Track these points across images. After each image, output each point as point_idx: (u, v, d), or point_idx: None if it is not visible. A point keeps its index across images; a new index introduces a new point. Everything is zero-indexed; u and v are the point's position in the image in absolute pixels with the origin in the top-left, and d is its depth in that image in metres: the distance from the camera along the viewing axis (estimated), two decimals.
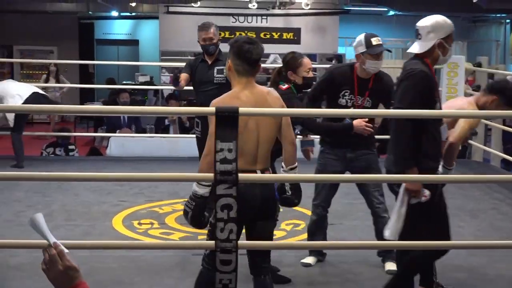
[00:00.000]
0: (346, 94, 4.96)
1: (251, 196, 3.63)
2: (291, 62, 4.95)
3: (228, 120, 3.45)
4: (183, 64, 6.53)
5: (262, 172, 3.73)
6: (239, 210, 3.49)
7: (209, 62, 6.09)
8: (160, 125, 11.07)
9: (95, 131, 13.35)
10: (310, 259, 5.22)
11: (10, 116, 8.49)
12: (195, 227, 3.79)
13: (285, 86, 4.84)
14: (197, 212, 3.67)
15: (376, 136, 5.12)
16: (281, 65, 5.07)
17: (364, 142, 5.01)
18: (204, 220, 3.71)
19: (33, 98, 8.50)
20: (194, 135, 6.35)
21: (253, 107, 3.68)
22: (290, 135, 3.82)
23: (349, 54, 15.00)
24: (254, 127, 3.70)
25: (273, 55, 14.62)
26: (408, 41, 13.61)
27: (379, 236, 4.93)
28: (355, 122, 4.89)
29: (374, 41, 4.84)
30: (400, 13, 15.59)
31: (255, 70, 3.75)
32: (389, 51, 5.42)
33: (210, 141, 3.55)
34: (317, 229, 5.20)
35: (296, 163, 3.85)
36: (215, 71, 6.03)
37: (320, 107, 5.29)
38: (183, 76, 6.09)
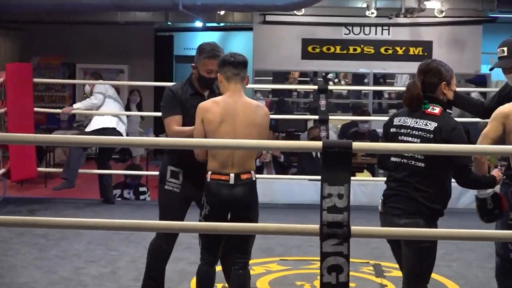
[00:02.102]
0: None
1: (220, 196, 4.99)
2: (443, 71, 4.78)
3: (339, 158, 3.44)
4: (282, 86, 6.40)
5: (237, 175, 5.00)
6: (214, 207, 5.01)
7: (205, 95, 5.70)
8: None
9: None
10: None
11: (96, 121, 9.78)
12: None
13: (437, 110, 4.68)
14: None
15: None
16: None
17: None
18: None
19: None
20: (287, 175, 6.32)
21: (228, 115, 4.97)
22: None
23: (496, 74, 14.71)
24: (230, 130, 4.97)
25: (406, 76, 14.52)
26: None
27: None
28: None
29: None
30: None
31: (242, 76, 5.09)
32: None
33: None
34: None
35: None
36: None
37: None
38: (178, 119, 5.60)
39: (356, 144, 3.54)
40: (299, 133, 13.00)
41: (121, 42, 17.72)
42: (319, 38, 15.04)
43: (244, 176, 5.06)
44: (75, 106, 10.19)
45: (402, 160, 4.60)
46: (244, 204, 5.09)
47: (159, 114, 5.86)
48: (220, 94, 5.71)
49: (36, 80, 10.21)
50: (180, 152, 5.48)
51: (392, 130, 4.69)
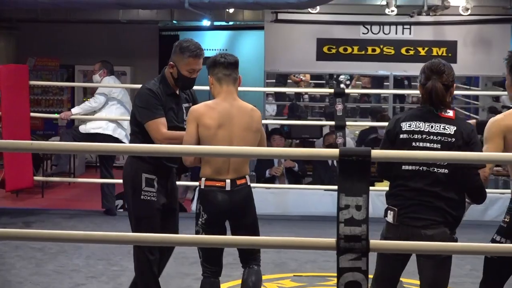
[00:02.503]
0: None
1: (217, 203, 5.18)
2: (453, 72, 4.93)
3: (357, 167, 3.45)
4: (295, 90, 6.51)
5: (233, 181, 5.19)
6: (211, 214, 5.19)
7: (178, 95, 5.88)
8: (260, 175, 11.01)
9: (178, 179, 13.59)
10: None
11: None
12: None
13: (451, 113, 4.75)
14: None
15: None
16: None
17: None
18: None
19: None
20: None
21: (224, 120, 5.15)
22: None
23: None
24: (226, 136, 5.15)
25: None
26: None
27: None
28: None
29: None
30: None
31: (234, 77, 5.35)
32: None
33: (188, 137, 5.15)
34: None
35: None
36: (185, 111, 5.84)
37: None
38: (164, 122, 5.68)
39: (376, 152, 3.55)
40: (314, 139, 13.00)
41: (123, 42, 17.75)
42: (335, 38, 15.01)
43: (239, 182, 5.28)
44: (73, 110, 10.21)
45: (421, 168, 4.59)
46: (242, 210, 5.32)
47: None
48: (187, 94, 5.93)
49: (32, 82, 10.26)
50: (157, 157, 5.52)
51: (403, 136, 4.67)
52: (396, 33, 15.06)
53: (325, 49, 15.00)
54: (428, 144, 4.60)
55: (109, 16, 16.39)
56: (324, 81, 15.92)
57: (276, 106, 15.52)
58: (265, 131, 14.80)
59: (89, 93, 17.79)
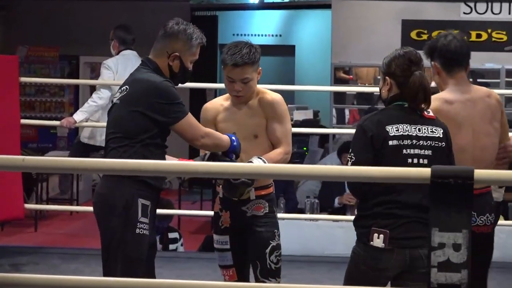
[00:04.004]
0: None
1: None
2: None
3: (455, 192, 3.44)
4: (372, 89, 6.58)
5: None
6: None
7: None
8: (326, 204, 10.97)
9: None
10: None
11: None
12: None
13: (431, 112, 5.20)
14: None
15: None
16: None
17: None
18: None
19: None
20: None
21: None
22: None
23: None
24: None
25: None
26: None
27: None
28: None
29: None
30: None
31: None
32: None
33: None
34: None
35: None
36: None
37: None
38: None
39: (480, 173, 3.53)
40: None
41: (145, 25, 17.83)
42: (426, 19, 15.01)
43: None
44: (76, 116, 9.93)
45: None
46: None
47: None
48: None
49: (23, 79, 10.31)
50: (159, 177, 5.60)
51: (392, 142, 4.96)
52: (509, 13, 15.03)
53: (413, 34, 15.00)
54: (418, 151, 4.94)
55: None
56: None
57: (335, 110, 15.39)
58: (335, 145, 14.75)
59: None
